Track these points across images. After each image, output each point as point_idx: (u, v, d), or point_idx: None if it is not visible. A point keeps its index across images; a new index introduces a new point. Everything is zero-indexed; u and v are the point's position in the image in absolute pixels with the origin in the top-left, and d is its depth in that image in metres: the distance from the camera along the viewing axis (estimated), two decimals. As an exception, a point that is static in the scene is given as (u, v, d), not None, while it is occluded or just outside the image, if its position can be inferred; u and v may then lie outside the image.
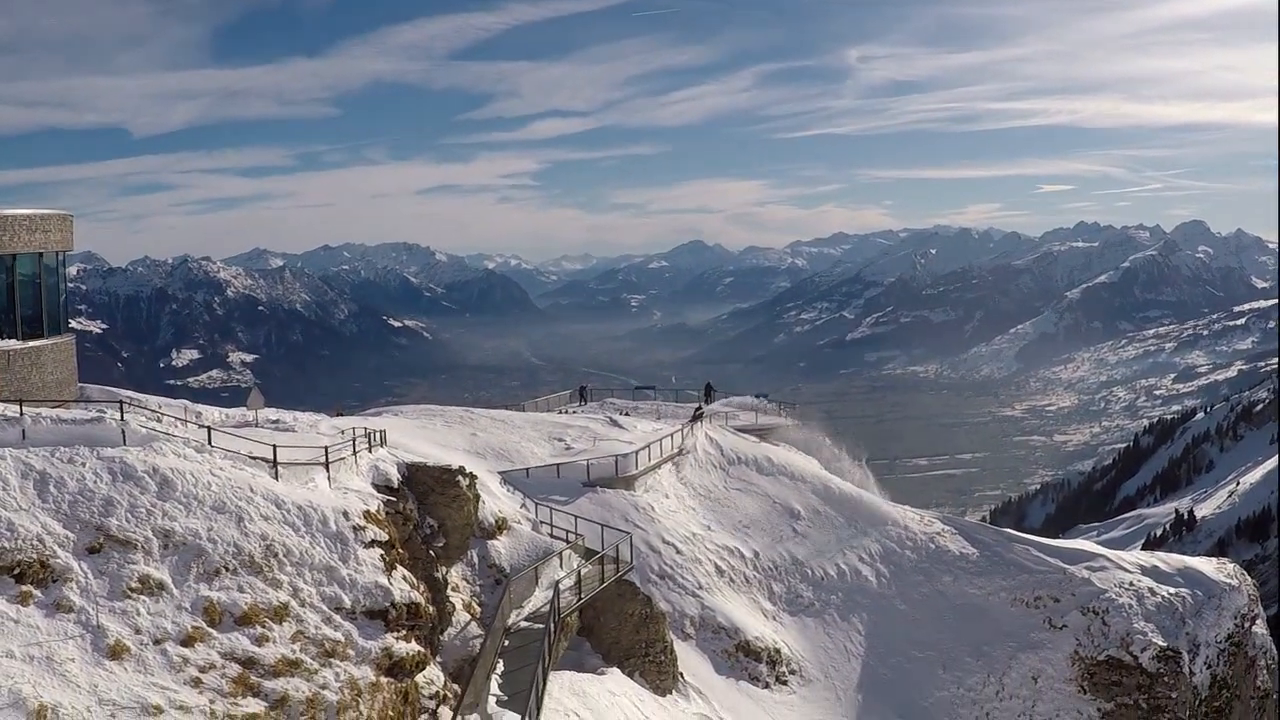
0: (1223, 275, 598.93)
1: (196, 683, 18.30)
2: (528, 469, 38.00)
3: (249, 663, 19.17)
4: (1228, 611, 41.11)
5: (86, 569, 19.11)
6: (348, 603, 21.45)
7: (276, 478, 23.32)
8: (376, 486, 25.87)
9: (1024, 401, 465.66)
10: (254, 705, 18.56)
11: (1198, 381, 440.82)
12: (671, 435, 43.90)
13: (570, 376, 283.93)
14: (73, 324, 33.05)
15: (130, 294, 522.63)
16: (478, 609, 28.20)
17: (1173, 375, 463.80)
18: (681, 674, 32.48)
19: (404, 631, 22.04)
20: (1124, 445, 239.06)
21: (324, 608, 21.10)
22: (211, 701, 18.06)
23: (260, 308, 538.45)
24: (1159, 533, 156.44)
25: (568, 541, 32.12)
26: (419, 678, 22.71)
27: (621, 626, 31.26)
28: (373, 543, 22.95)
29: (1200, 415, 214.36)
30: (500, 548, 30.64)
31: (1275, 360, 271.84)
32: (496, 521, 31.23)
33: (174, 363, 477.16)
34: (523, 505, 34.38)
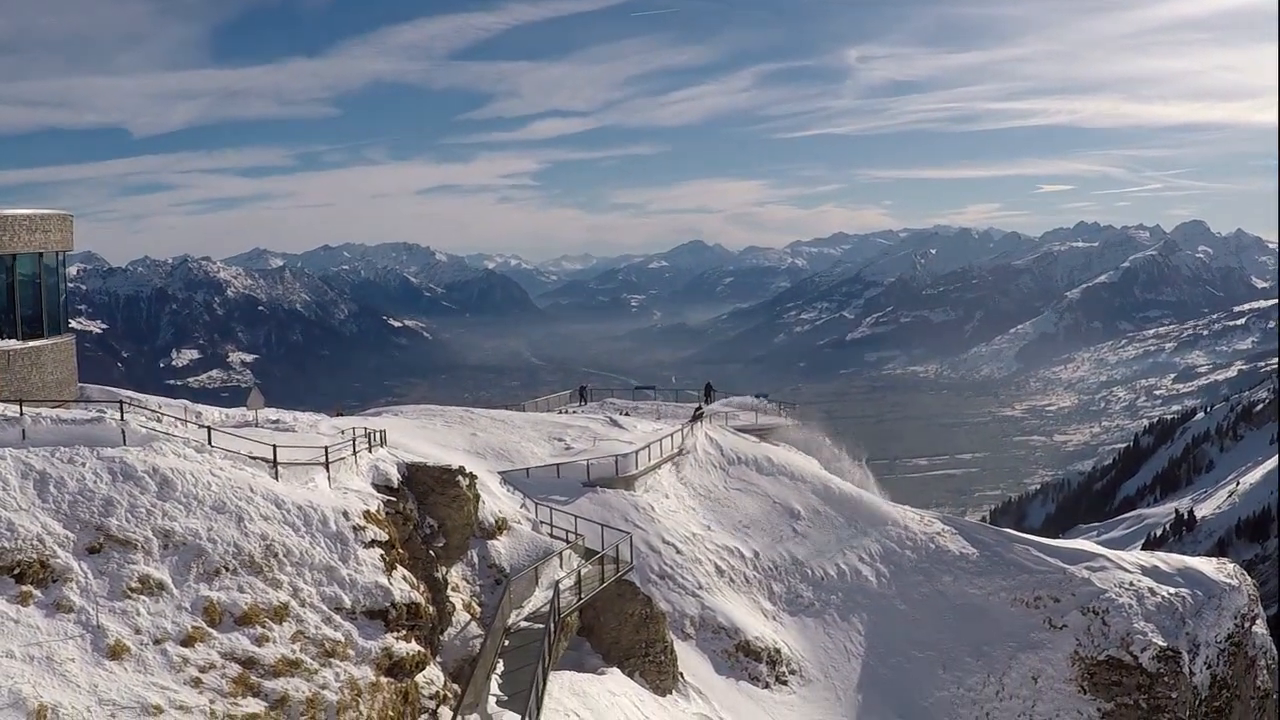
0: (1223, 275, 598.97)
1: (196, 683, 18.30)
2: (528, 469, 38.02)
3: (249, 663, 19.17)
4: (1228, 611, 41.11)
5: (86, 569, 19.11)
6: (348, 603, 21.44)
7: (276, 478, 23.31)
8: (376, 486, 25.85)
9: (1024, 401, 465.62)
10: (254, 705, 18.55)
11: (1198, 381, 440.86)
12: (671, 435, 43.89)
13: (570, 376, 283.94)
14: (73, 324, 33.04)
15: (130, 294, 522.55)
16: (478, 609, 28.19)
17: (1173, 375, 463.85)
18: (681, 674, 32.48)
19: (404, 631, 22.04)
20: (1124, 445, 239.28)
21: (324, 608, 21.09)
22: (211, 701, 18.06)
23: (260, 308, 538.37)
24: (1159, 533, 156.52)
25: (568, 541, 32.11)
26: (419, 678, 22.70)
27: (621, 626, 31.26)
28: (373, 543, 22.95)
29: (1200, 415, 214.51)
30: (500, 548, 30.63)
31: (1275, 360, 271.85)
32: (496, 521, 31.21)
33: (174, 363, 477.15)
34: (523, 505, 34.38)
